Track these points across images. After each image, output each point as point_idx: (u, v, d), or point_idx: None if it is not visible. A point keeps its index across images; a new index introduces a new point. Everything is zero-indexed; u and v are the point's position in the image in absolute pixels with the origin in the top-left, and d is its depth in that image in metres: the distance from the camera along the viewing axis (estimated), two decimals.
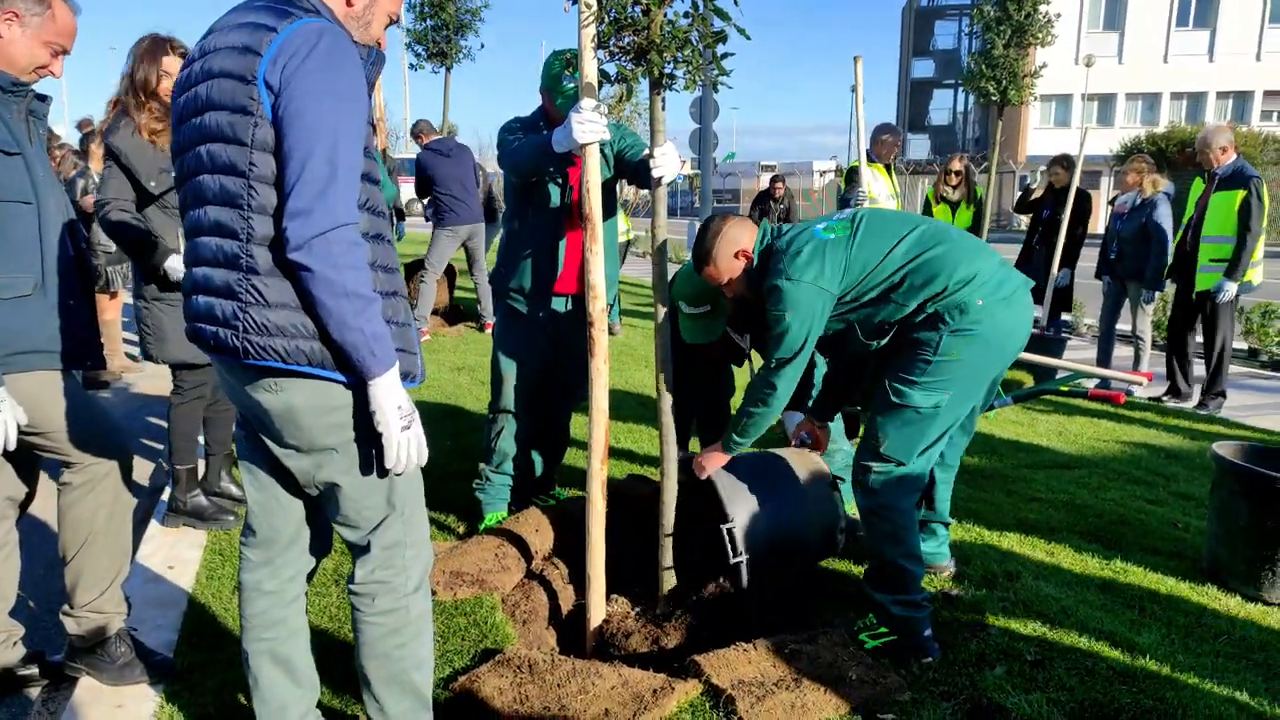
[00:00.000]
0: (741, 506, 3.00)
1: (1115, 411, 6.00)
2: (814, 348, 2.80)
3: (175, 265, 3.36)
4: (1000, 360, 2.72)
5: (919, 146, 49.41)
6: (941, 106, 51.20)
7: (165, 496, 3.90)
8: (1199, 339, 6.43)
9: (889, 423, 2.69)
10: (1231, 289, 5.93)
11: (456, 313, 9.32)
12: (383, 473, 1.83)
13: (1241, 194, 5.86)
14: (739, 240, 2.92)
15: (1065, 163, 7.51)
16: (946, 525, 3.26)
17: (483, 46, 7.21)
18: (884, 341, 2.81)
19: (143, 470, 4.50)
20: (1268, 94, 35.40)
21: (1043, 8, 7.23)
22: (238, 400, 1.86)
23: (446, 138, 8.06)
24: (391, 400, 1.72)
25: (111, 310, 6.57)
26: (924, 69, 50.06)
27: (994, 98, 7.50)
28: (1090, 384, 6.31)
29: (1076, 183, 7.01)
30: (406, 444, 1.76)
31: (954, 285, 2.63)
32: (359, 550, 1.92)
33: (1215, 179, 6.04)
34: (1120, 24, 36.12)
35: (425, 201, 8.18)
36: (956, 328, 2.62)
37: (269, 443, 1.84)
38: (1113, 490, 4.36)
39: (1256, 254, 5.99)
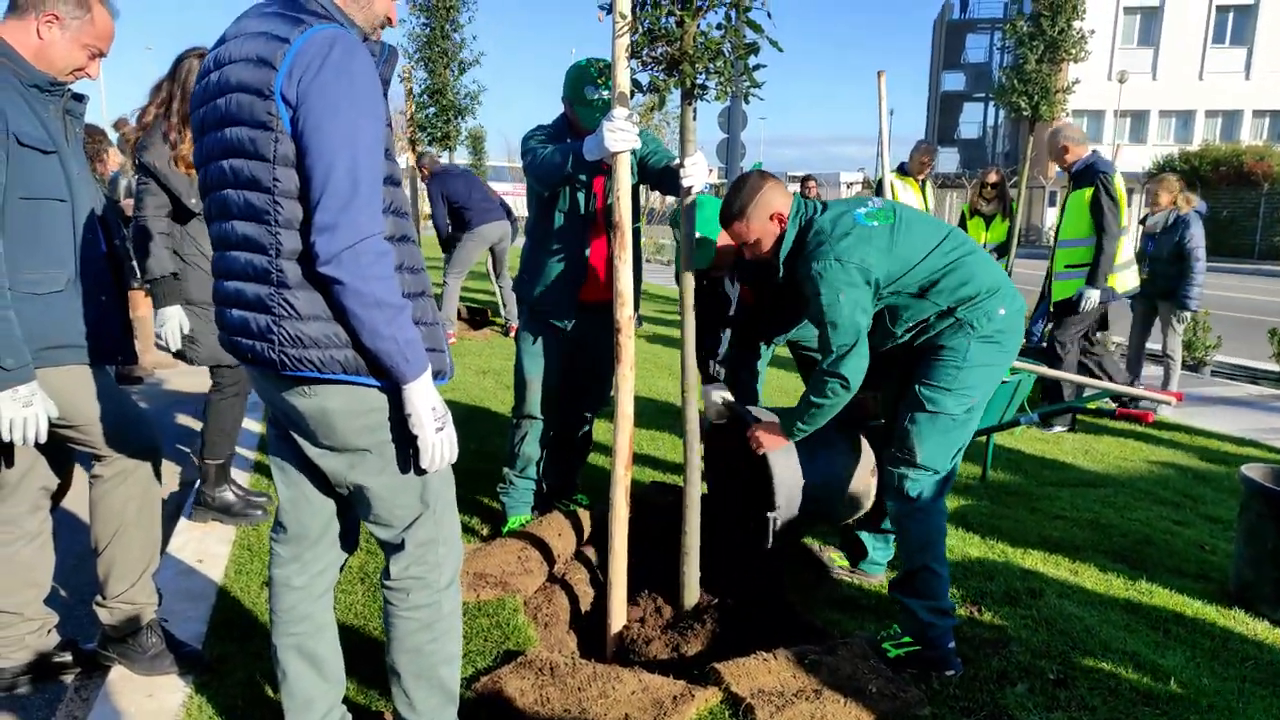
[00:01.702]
0: (788, 493, 3.05)
1: (1142, 431, 5.94)
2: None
3: (172, 328, 3.35)
4: (1008, 362, 2.83)
5: (948, 160, 49.14)
6: (972, 120, 50.93)
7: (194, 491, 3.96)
8: (1155, 346, 6.17)
9: (925, 431, 2.72)
10: (1094, 296, 5.53)
11: (482, 316, 9.38)
12: (418, 471, 1.87)
13: (1090, 191, 5.53)
14: (775, 203, 2.89)
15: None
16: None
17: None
18: (902, 339, 2.83)
19: (172, 467, 4.58)
20: None
21: (1076, 24, 7.16)
22: (271, 401, 1.89)
23: (451, 165, 8.22)
24: (426, 403, 1.76)
25: (145, 306, 6.67)
26: (954, 82, 49.82)
27: (1025, 113, 7.44)
28: (1117, 402, 6.25)
29: (1106, 199, 6.94)
30: (440, 444, 1.80)
31: (984, 293, 2.71)
32: (392, 548, 1.95)
33: (1071, 180, 5.73)
34: (1155, 40, 35.78)
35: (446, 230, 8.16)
36: (984, 334, 2.70)
37: (302, 442, 1.88)
38: (1139, 510, 4.32)
39: (1119, 256, 5.64)
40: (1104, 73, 33.21)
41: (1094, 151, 5.70)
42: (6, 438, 2.12)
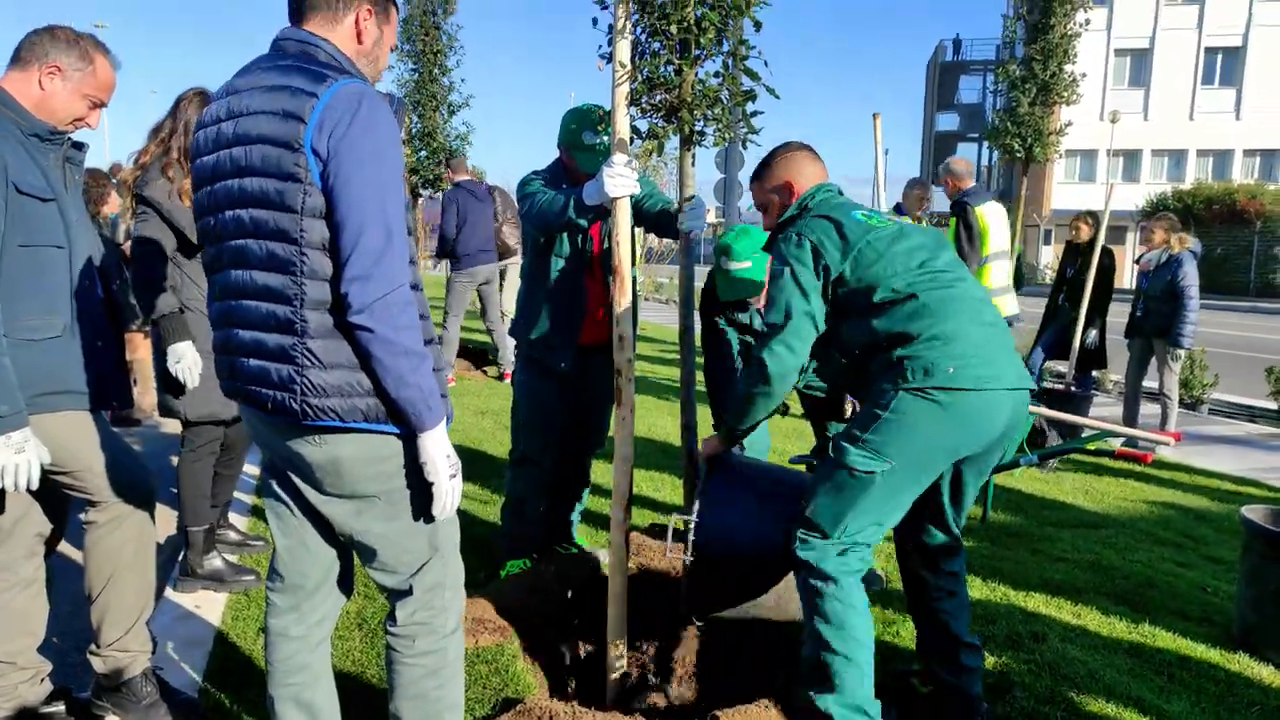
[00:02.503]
0: (718, 502, 2.72)
1: (1142, 470, 5.93)
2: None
3: (189, 363, 3.25)
4: (968, 440, 2.31)
5: (943, 199, 49.46)
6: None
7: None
8: (1152, 384, 6.22)
9: (821, 482, 2.37)
10: None
11: (481, 357, 9.38)
12: (428, 519, 1.87)
13: (954, 222, 5.70)
14: (795, 172, 2.70)
15: (1087, 219, 7.52)
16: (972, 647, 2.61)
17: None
18: (845, 363, 2.50)
19: (168, 511, 4.54)
20: None
21: (1068, 67, 7.28)
22: (274, 450, 1.89)
23: (476, 180, 8.15)
24: (441, 450, 1.79)
25: (144, 349, 6.68)
26: (949, 122, 50.37)
27: (1019, 154, 7.54)
28: (1116, 442, 6.25)
29: (1102, 239, 7.01)
30: (453, 491, 1.83)
31: (931, 338, 2.26)
32: (398, 594, 1.95)
33: (950, 211, 5.92)
34: (1146, 81, 36.27)
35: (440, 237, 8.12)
36: (915, 386, 2.24)
37: (306, 489, 1.87)
38: (1141, 552, 4.30)
39: (990, 282, 5.74)
40: (1096, 113, 33.61)
41: (976, 185, 5.85)
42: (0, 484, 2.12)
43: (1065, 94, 7.29)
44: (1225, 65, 35.76)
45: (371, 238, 1.67)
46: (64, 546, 3.99)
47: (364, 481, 1.81)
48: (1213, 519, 4.91)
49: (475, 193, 7.97)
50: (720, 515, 2.69)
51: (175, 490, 3.56)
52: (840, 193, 2.70)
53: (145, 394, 6.69)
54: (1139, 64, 36.41)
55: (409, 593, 1.93)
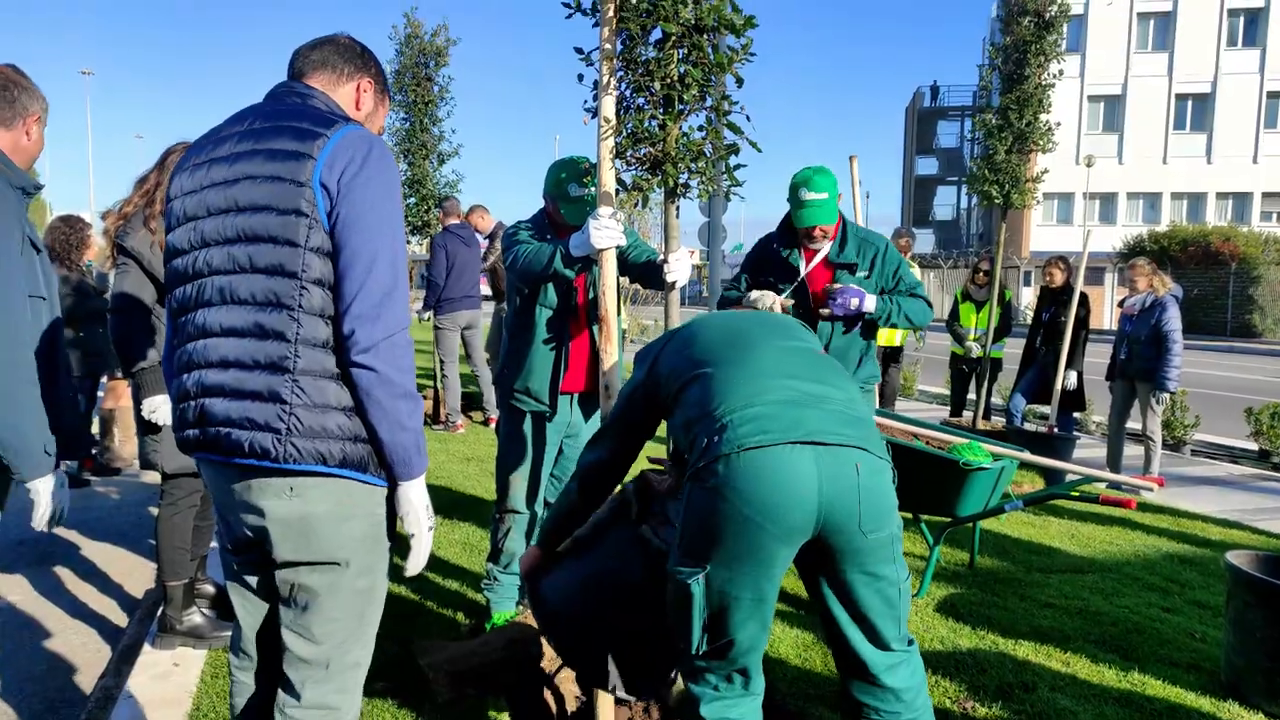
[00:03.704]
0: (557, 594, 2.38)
1: (1126, 513, 5.95)
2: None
3: (161, 415, 3.24)
4: (767, 517, 1.85)
5: (924, 241, 50.20)
6: (945, 202, 52.20)
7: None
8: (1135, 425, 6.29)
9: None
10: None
11: (466, 402, 9.34)
12: (370, 589, 1.81)
13: None
14: None
15: (1059, 264, 7.66)
16: None
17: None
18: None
19: (148, 564, 4.48)
20: (1266, 195, 36.09)
21: (1044, 116, 7.44)
22: (236, 509, 1.79)
23: (466, 224, 8.23)
24: (423, 499, 1.77)
25: (126, 396, 6.63)
26: (928, 166, 51.22)
27: (998, 201, 7.67)
28: (1101, 486, 6.28)
29: (1081, 284, 7.12)
30: (429, 544, 1.80)
31: (715, 413, 1.95)
32: (310, 668, 1.79)
33: None
34: (1119, 126, 37.09)
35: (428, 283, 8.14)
36: (692, 469, 1.95)
37: (272, 551, 1.75)
38: (1127, 597, 4.30)
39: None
40: (1072, 157, 34.30)
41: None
42: (48, 517, 2.23)
43: (1041, 142, 7.43)
44: (1195, 111, 36.67)
45: (379, 278, 1.67)
46: (36, 606, 3.94)
47: (332, 542, 1.73)
48: (1198, 563, 4.92)
49: (464, 237, 8.01)
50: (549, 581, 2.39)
51: (153, 542, 3.51)
52: None
53: (126, 442, 6.63)
54: (1112, 109, 37.26)
55: (325, 667, 1.79)
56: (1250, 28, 35.88)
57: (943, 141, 49.73)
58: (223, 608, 3.67)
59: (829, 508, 1.88)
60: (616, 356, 3.03)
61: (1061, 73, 7.53)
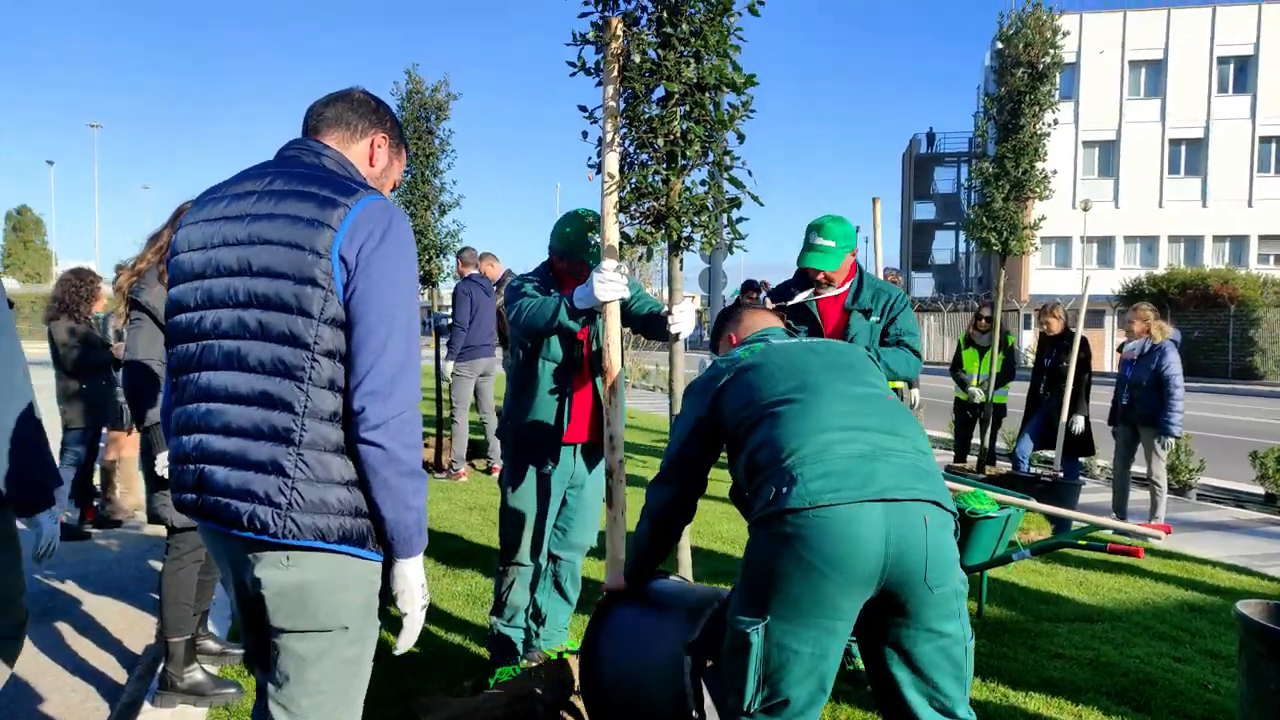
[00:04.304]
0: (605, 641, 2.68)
1: (1135, 561, 5.90)
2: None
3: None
4: (836, 575, 1.88)
5: (923, 285, 50.50)
6: (944, 247, 52.62)
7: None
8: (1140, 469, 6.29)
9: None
10: None
11: (471, 450, 9.31)
12: (358, 659, 1.78)
13: None
14: (733, 327, 2.67)
15: (1056, 313, 7.73)
16: None
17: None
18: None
19: (148, 617, 4.44)
20: (1262, 238, 36.37)
21: (1039, 165, 7.54)
22: (231, 566, 1.78)
23: (482, 274, 8.35)
24: (419, 577, 1.75)
25: (130, 448, 6.63)
26: (925, 211, 51.71)
27: (996, 248, 7.74)
28: (1107, 532, 6.24)
29: (1081, 330, 7.16)
30: (419, 624, 1.78)
31: (781, 456, 1.98)
32: None
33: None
34: (1114, 171, 37.51)
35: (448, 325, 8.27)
36: (758, 517, 1.98)
37: (269, 619, 1.72)
38: (1138, 646, 4.25)
39: None
40: (1068, 201, 34.62)
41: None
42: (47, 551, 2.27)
43: (1038, 190, 7.52)
44: (1189, 156, 37.10)
45: (394, 354, 1.66)
46: (34, 662, 3.89)
47: (329, 611, 1.70)
48: (1208, 611, 4.87)
49: (485, 286, 8.16)
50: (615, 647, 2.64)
51: (155, 596, 3.46)
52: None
53: (127, 495, 6.61)
54: (1107, 154, 37.71)
55: None
56: (1240, 75, 36.47)
57: (940, 187, 50.28)
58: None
59: (896, 561, 1.89)
60: (622, 408, 3.05)
61: (1056, 122, 7.64)
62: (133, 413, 3.38)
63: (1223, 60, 36.42)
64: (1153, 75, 37.10)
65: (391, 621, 1.83)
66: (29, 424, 2.23)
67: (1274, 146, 36.27)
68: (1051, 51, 7.49)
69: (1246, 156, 36.22)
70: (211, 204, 1.80)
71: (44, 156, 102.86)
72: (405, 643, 1.77)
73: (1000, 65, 7.71)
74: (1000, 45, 7.72)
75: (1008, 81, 7.58)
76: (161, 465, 3.24)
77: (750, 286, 9.42)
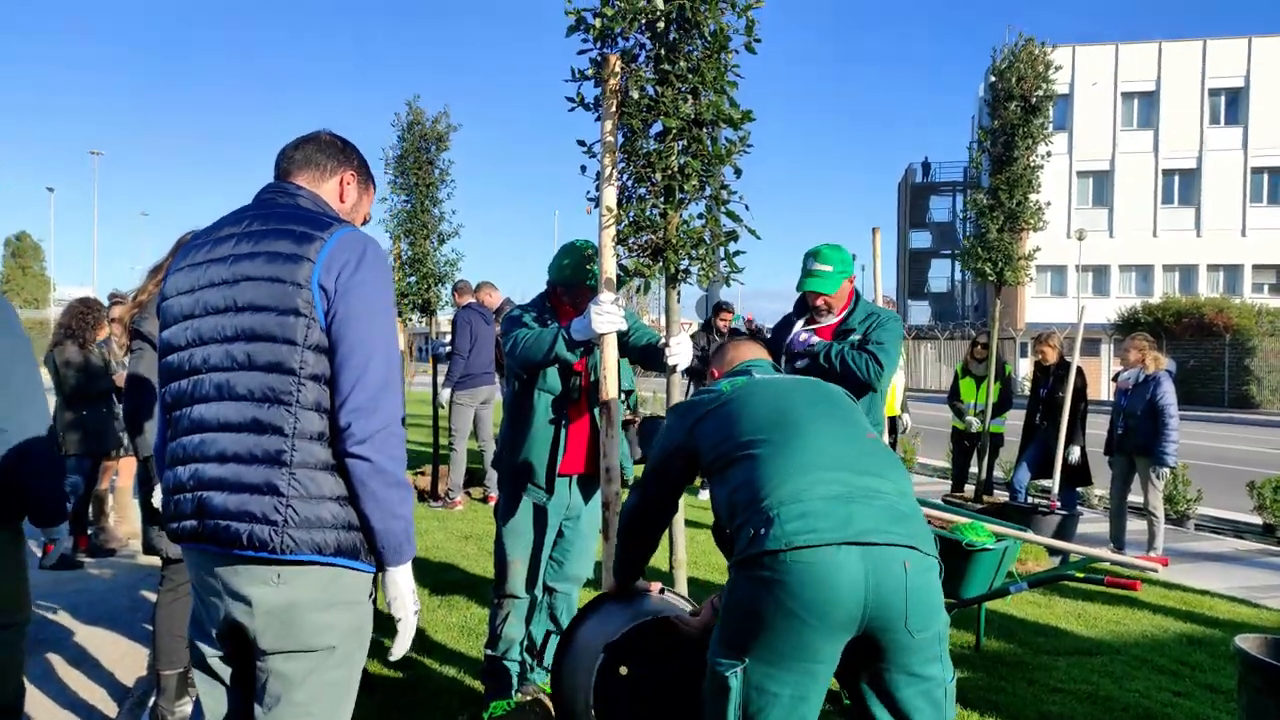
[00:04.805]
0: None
1: (1133, 592, 5.87)
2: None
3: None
4: (814, 619, 1.87)
5: (920, 313, 50.66)
6: (940, 275, 52.83)
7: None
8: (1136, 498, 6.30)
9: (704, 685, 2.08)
10: None
11: (467, 478, 9.28)
12: (345, 681, 1.84)
13: None
14: (717, 361, 2.69)
15: (1051, 343, 7.76)
16: None
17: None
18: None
19: (141, 649, 4.40)
20: (1256, 268, 36.61)
21: (1033, 196, 7.60)
22: (215, 594, 1.81)
23: (480, 303, 8.39)
24: (409, 584, 1.83)
25: (126, 475, 6.61)
26: (921, 240, 51.99)
27: (991, 278, 7.78)
28: (1106, 565, 6.23)
29: (1077, 359, 7.18)
30: (413, 629, 1.85)
31: (761, 499, 1.97)
32: None
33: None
34: (1109, 201, 37.81)
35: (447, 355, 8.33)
36: (739, 558, 1.96)
37: (256, 641, 1.77)
38: (1137, 680, 4.22)
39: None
40: (1063, 230, 34.84)
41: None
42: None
43: (1032, 221, 7.57)
44: (1183, 186, 37.45)
45: (375, 372, 1.76)
46: None
47: (316, 631, 1.76)
48: (1207, 643, 4.85)
49: (484, 314, 8.21)
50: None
51: (149, 627, 3.43)
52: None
53: (122, 523, 6.58)
54: (1101, 185, 38.03)
55: None
56: (1231, 107, 36.89)
57: (935, 216, 50.60)
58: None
59: (875, 606, 1.87)
60: (619, 440, 3.05)
61: (1049, 154, 7.71)
62: (129, 432, 3.37)
63: (1214, 92, 36.86)
64: (1145, 107, 37.52)
65: (383, 653, 1.85)
66: (48, 440, 2.26)
67: (1266, 177, 36.64)
68: (1044, 85, 7.57)
69: (1239, 187, 36.57)
70: (195, 250, 1.92)
71: (44, 183, 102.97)
72: (400, 647, 1.86)
73: (993, 99, 7.79)
74: (993, 79, 7.80)
75: (1001, 115, 7.66)
76: (157, 498, 3.23)
77: (721, 308, 9.45)
